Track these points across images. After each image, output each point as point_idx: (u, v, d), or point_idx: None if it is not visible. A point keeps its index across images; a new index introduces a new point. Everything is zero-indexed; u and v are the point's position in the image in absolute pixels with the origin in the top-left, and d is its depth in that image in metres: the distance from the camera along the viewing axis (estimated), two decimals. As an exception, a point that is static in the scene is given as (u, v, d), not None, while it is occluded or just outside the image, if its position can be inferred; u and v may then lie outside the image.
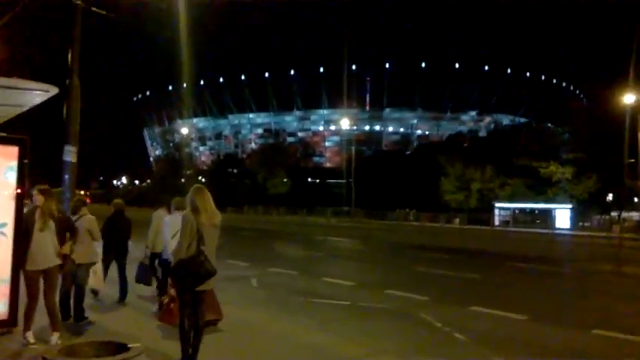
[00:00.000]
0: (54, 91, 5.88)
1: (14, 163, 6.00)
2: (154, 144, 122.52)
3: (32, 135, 6.67)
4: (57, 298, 6.47)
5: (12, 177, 5.99)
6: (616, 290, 13.28)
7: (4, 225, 5.90)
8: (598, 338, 7.67)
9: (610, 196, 57.45)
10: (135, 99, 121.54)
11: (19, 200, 6.00)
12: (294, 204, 67.86)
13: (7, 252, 5.90)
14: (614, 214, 46.54)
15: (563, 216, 47.99)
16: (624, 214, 43.30)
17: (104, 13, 11.27)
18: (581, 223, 48.24)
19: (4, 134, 6.28)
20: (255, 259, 16.34)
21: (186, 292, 5.21)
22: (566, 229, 44.80)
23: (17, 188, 6.00)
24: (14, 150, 6.01)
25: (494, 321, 8.61)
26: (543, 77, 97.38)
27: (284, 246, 23.24)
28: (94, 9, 10.99)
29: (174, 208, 8.17)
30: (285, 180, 75.51)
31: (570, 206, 48.52)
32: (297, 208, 66.49)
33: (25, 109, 6.68)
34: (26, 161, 6.07)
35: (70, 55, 10.68)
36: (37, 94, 5.86)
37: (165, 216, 8.40)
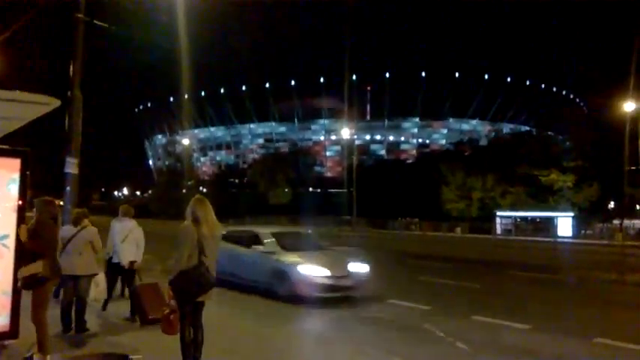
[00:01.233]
0: (56, 103, 5.89)
1: (16, 176, 6.01)
2: (155, 155, 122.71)
3: (34, 146, 6.71)
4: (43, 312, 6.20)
5: (14, 189, 6.00)
6: (618, 299, 13.25)
7: (5, 237, 5.91)
8: (600, 347, 7.65)
9: (612, 204, 57.40)
10: (136, 110, 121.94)
11: (21, 212, 6.02)
12: (296, 214, 67.81)
13: (8, 264, 5.90)
14: (615, 222, 46.45)
15: (565, 224, 47.95)
16: (626, 222, 43.22)
17: (106, 25, 11.34)
18: (583, 231, 48.17)
19: (6, 147, 6.30)
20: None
21: (186, 303, 5.21)
22: (569, 238, 44.73)
23: (19, 200, 6.01)
24: (16, 162, 6.03)
25: (497, 330, 8.58)
26: (543, 85, 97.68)
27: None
28: (95, 22, 11.06)
29: (121, 215, 8.86)
30: (286, 190, 75.52)
31: (572, 214, 48.49)
32: (298, 218, 66.44)
33: (26, 121, 6.70)
34: (28, 173, 6.09)
35: (71, 68, 10.73)
36: (38, 106, 5.88)
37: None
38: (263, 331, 8.07)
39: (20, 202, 6.01)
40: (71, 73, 10.73)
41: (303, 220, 64.75)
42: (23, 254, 5.82)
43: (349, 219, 59.99)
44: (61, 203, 9.73)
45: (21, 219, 5.99)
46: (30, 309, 5.76)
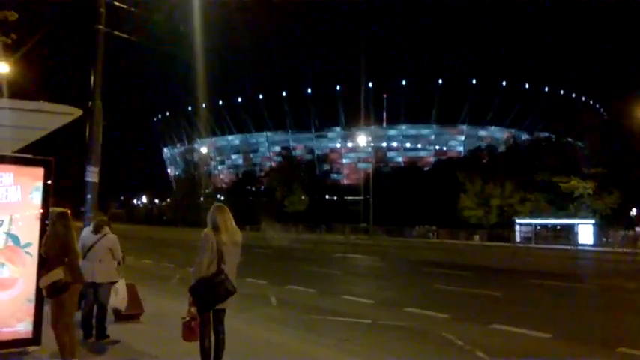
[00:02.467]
0: (78, 113, 6.01)
1: (40, 184, 6.13)
2: (174, 163, 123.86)
3: (56, 155, 6.82)
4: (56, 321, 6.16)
5: (37, 197, 6.12)
6: (642, 307, 13.01)
7: (29, 244, 6.02)
8: (623, 356, 7.52)
9: (634, 211, 56.44)
10: (155, 119, 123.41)
11: (44, 220, 6.12)
12: (313, 221, 67.82)
13: (32, 271, 6.00)
14: (638, 229, 45.64)
15: (585, 232, 47.18)
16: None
17: (126, 36, 11.51)
18: (604, 239, 47.36)
19: (30, 156, 6.43)
20: (273, 277, 16.34)
21: (206, 310, 5.24)
22: (590, 246, 44.01)
23: (41, 208, 6.12)
24: (40, 171, 6.15)
25: (517, 339, 8.48)
26: (562, 91, 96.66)
27: (303, 264, 23.19)
28: (116, 32, 11.24)
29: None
30: (302, 197, 75.59)
31: (593, 222, 47.71)
32: (315, 226, 66.43)
33: (50, 131, 6.83)
34: (50, 182, 6.20)
35: (92, 78, 10.89)
36: (62, 116, 5.99)
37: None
38: (278, 338, 8.07)
39: (41, 211, 6.12)
40: (92, 83, 10.88)
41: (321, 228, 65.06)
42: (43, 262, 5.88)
43: (366, 227, 59.79)
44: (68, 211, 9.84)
45: (44, 227, 6.08)
46: (50, 315, 5.75)
